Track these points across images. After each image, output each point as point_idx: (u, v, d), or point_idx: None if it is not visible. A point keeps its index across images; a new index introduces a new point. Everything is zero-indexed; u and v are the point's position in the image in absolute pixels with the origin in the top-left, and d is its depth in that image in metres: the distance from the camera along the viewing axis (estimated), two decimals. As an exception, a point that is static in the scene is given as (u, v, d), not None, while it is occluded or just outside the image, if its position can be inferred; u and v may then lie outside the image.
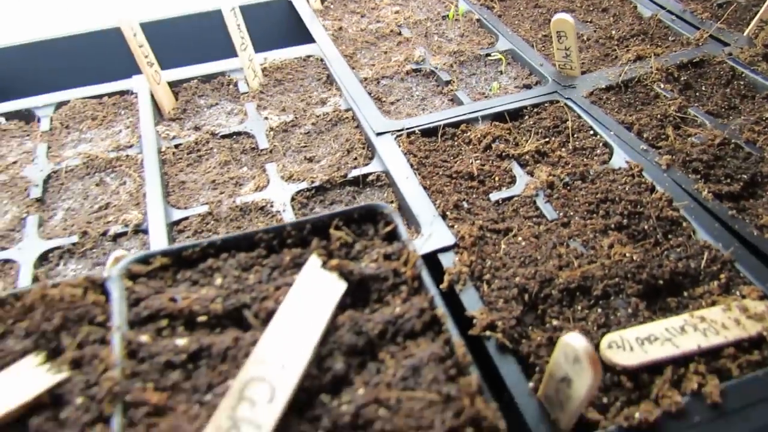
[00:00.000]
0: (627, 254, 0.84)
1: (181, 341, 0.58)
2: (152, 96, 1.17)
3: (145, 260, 0.65)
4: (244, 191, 0.99)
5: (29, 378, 0.55)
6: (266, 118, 1.14)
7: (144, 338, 0.58)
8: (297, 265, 0.66)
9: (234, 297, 0.62)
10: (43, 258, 0.90)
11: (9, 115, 1.18)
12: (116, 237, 0.93)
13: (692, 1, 1.48)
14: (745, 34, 1.32)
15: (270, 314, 0.61)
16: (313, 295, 0.61)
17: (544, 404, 0.66)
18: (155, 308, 0.60)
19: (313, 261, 0.64)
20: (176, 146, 1.08)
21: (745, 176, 0.99)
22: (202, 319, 0.61)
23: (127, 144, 1.10)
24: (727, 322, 0.75)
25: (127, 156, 1.07)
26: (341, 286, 0.62)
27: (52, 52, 1.33)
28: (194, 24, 1.40)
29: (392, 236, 0.69)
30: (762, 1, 1.44)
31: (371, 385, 0.54)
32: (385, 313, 0.61)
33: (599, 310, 0.78)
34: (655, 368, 0.70)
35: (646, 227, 0.89)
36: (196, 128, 1.14)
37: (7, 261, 0.90)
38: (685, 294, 0.81)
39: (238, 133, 1.11)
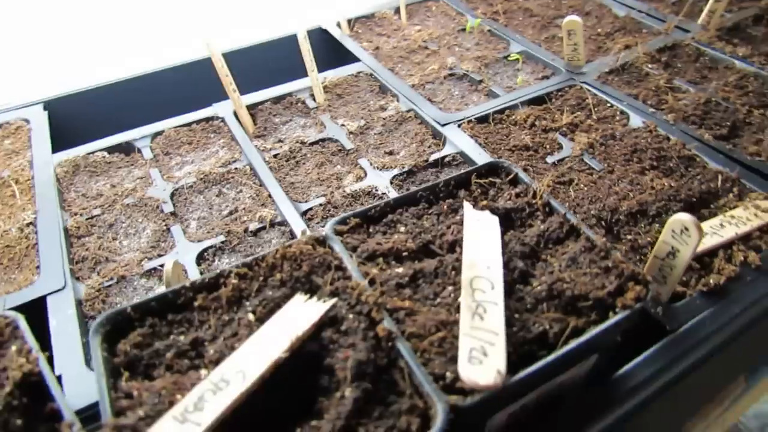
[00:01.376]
0: (665, 184, 1.10)
1: (399, 269, 0.79)
2: (237, 119, 1.37)
3: (343, 221, 0.85)
4: (347, 183, 1.20)
5: (306, 308, 0.73)
6: (343, 125, 1.35)
7: (374, 270, 0.78)
8: (453, 210, 0.88)
9: (420, 237, 0.84)
10: (200, 257, 1.07)
11: (110, 149, 1.34)
12: (256, 232, 1.11)
13: (652, 1, 1.82)
14: (699, 22, 1.65)
15: (451, 245, 0.82)
16: (480, 225, 0.83)
17: (645, 288, 0.90)
18: (370, 250, 0.80)
19: (467, 205, 0.86)
20: (274, 156, 1.28)
21: (728, 123, 1.29)
22: (405, 254, 0.81)
23: (231, 159, 1.28)
24: (749, 216, 1.02)
25: (236, 169, 1.26)
26: (495, 219, 0.85)
27: (132, 89, 1.50)
28: (257, 52, 1.60)
29: (514, 182, 0.93)
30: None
31: (547, 273, 0.77)
32: (534, 230, 0.84)
33: (657, 224, 1.04)
34: (711, 254, 0.96)
35: (671, 165, 1.17)
36: (280, 141, 1.34)
37: (171, 262, 1.06)
38: (712, 206, 1.09)
39: (323, 140, 1.32)
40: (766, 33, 1.63)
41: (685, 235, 0.78)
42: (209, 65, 1.29)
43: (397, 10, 1.76)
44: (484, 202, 0.87)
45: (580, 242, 0.81)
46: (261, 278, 0.79)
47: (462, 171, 0.92)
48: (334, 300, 0.74)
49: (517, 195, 0.90)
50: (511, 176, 0.93)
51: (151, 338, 0.75)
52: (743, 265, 0.93)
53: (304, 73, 1.41)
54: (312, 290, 0.77)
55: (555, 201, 0.87)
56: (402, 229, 0.86)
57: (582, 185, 1.14)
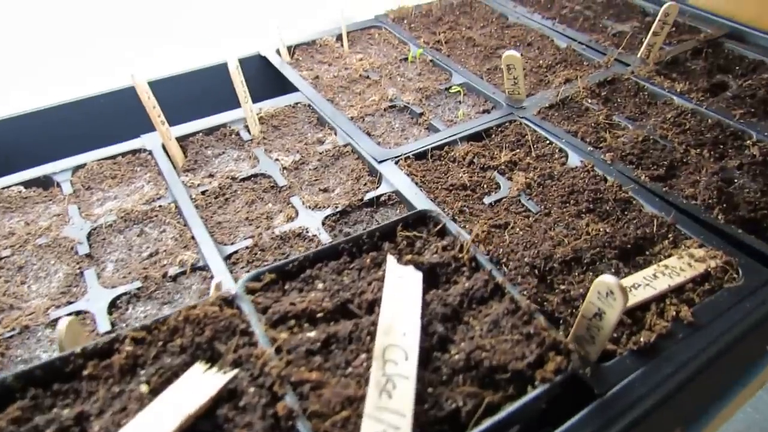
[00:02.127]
0: (601, 229, 1.09)
1: (311, 333, 0.73)
2: (165, 152, 1.29)
3: (257, 278, 0.79)
4: (277, 223, 1.14)
5: (203, 381, 0.67)
6: (277, 159, 1.29)
7: (283, 335, 0.72)
8: (376, 264, 0.84)
9: (338, 295, 0.79)
10: (113, 305, 1.00)
11: (27, 183, 1.24)
12: (176, 277, 1.04)
13: (593, 32, 1.83)
14: (638, 56, 1.67)
15: (370, 304, 0.78)
16: (401, 283, 0.78)
17: (575, 346, 0.87)
18: (282, 312, 0.75)
19: (391, 259, 0.82)
20: (203, 192, 1.21)
21: (665, 163, 1.29)
22: (319, 315, 0.76)
23: (156, 196, 1.21)
24: (683, 266, 1.01)
25: (161, 206, 1.18)
26: (419, 274, 0.81)
27: (53, 119, 1.40)
28: (187, 81, 1.53)
29: (442, 233, 0.89)
30: (644, 28, 1.83)
31: (467, 339, 0.73)
32: (458, 289, 0.80)
33: (591, 273, 1.01)
34: (643, 307, 0.94)
35: (608, 208, 1.15)
36: (211, 176, 1.27)
37: (79, 312, 0.98)
38: (648, 252, 1.07)
39: (256, 175, 1.26)
40: (704, 67, 1.66)
41: (610, 298, 0.75)
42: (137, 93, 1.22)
43: (339, 37, 1.72)
44: (408, 257, 0.82)
45: (504, 303, 0.77)
46: (160, 343, 0.73)
47: (388, 221, 0.88)
48: (234, 371, 0.69)
49: (444, 248, 0.86)
50: (440, 227, 0.89)
51: (31, 412, 0.67)
52: (675, 321, 0.91)
53: (240, 103, 1.35)
54: (214, 358, 0.71)
55: (482, 256, 0.83)
56: (320, 285, 0.80)
57: (518, 229, 1.11)
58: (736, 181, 1.24)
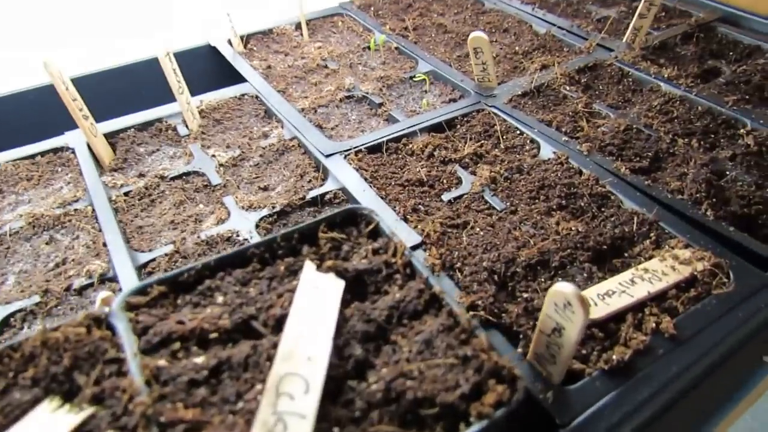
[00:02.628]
0: (573, 228, 0.95)
1: (198, 359, 0.59)
2: (90, 150, 1.16)
3: (143, 291, 0.65)
4: (206, 226, 1.00)
5: (49, 423, 0.53)
6: (213, 156, 1.16)
7: (162, 362, 0.58)
8: (292, 272, 0.70)
9: (239, 311, 0.64)
10: (5, 323, 0.86)
11: (-69, 187, 1.11)
12: (82, 290, 0.90)
13: (576, 18, 1.69)
14: (624, 40, 1.53)
15: (279, 320, 0.63)
16: (316, 295, 0.64)
17: (536, 365, 0.73)
18: (165, 333, 0.61)
19: (309, 266, 0.68)
20: (126, 194, 1.07)
21: (650, 153, 1.14)
22: (213, 336, 0.62)
23: (72, 199, 1.07)
24: (665, 269, 0.87)
25: (76, 210, 1.04)
26: (340, 284, 0.66)
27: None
28: (124, 75, 1.39)
29: (375, 234, 0.75)
30: (630, 13, 1.69)
31: (392, 363, 0.59)
32: (387, 300, 0.65)
33: (559, 279, 0.87)
34: (618, 317, 0.80)
35: (582, 204, 1.01)
36: (141, 175, 1.13)
37: (-37, 332, 0.84)
38: (626, 254, 0.93)
39: (188, 173, 1.12)
40: (695, 52, 1.52)
41: (568, 311, 0.61)
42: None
43: (299, 26, 1.59)
44: (330, 262, 0.68)
45: (441, 317, 0.63)
46: (11, 374, 0.58)
47: (310, 221, 0.74)
48: (90, 410, 0.54)
49: (375, 252, 0.72)
50: (372, 227, 0.75)
51: None
52: (655, 334, 0.77)
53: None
54: (73, 392, 0.57)
55: (417, 261, 0.69)
56: (219, 299, 0.66)
57: (478, 229, 0.97)
58: (728, 173, 1.10)
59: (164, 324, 0.62)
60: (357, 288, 0.68)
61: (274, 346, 0.59)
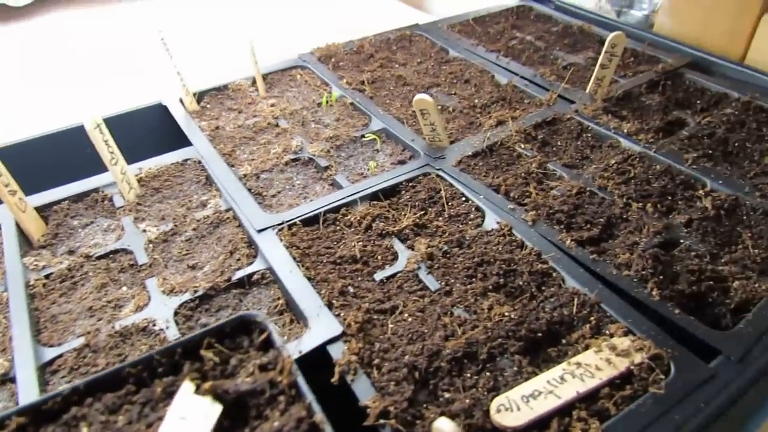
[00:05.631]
0: (506, 313, 0.88)
1: None
2: (18, 226, 1.12)
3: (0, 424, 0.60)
4: (124, 313, 0.95)
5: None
6: (144, 231, 1.11)
7: None
8: (170, 394, 0.64)
9: (102, 445, 0.59)
10: None
11: None
12: (-22, 391, 0.85)
13: (542, 65, 1.65)
14: (587, 91, 1.48)
15: (143, 456, 0.58)
16: (184, 427, 0.59)
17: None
18: (11, 477, 0.55)
19: (186, 387, 0.62)
20: (47, 276, 1.03)
21: (602, 220, 1.08)
22: (65, 477, 0.56)
23: (-10, 282, 1.03)
24: (599, 363, 0.80)
25: (-9, 296, 1.00)
26: (216, 410, 0.61)
27: None
28: (60, 142, 1.36)
29: (268, 344, 0.69)
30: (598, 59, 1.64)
31: None
32: (264, 430, 0.60)
33: (487, 373, 0.81)
34: (543, 422, 0.73)
35: (521, 283, 0.95)
36: (71, 252, 1.09)
37: None
38: (563, 341, 0.86)
39: (115, 251, 1.08)
40: (660, 102, 1.46)
41: (450, 450, 0.54)
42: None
43: (255, 81, 1.55)
44: (208, 385, 0.63)
45: (316, 454, 0.57)
46: None
47: (196, 332, 0.68)
48: None
49: (263, 368, 0.66)
50: (264, 336, 0.69)
51: None
52: (580, 445, 0.70)
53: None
54: None
55: (303, 381, 0.63)
56: (84, 431, 0.61)
57: (406, 315, 0.91)
58: (682, 241, 1.03)
59: (13, 465, 0.56)
60: (238, 412, 0.62)
61: (126, 493, 0.53)
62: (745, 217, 1.09)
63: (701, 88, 1.51)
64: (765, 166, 1.20)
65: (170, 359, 0.66)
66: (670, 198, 1.14)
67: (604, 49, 1.41)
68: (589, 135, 1.34)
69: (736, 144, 1.28)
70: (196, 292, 0.97)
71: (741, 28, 1.64)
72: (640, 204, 1.11)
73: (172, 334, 0.90)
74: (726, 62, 1.58)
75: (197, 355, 0.67)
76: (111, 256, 1.08)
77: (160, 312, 0.94)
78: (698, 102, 1.47)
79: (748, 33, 1.64)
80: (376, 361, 0.82)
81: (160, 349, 0.66)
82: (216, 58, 1.99)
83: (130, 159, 1.28)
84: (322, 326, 0.87)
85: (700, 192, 1.13)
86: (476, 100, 1.49)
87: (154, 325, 0.92)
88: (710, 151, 1.25)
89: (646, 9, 2.04)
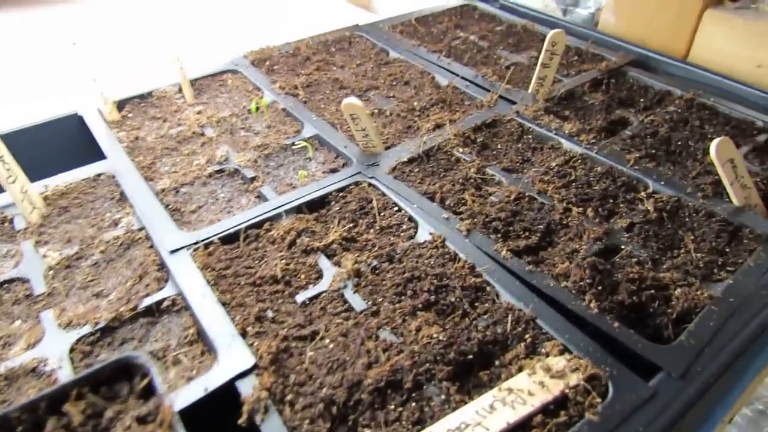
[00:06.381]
0: (434, 335, 0.81)
1: None
2: None
3: None
4: (14, 353, 0.85)
5: None
6: (44, 257, 1.01)
7: None
8: (28, 457, 0.55)
9: None
10: None
11: None
12: None
13: (485, 65, 1.59)
14: (529, 91, 1.43)
15: None
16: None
17: None
18: None
19: (46, 449, 0.53)
20: (-71, 311, 0.92)
21: (541, 226, 1.03)
22: None
23: None
24: (532, 387, 0.74)
25: None
26: (79, 476, 0.52)
27: None
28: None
29: (150, 391, 0.60)
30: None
31: None
32: (133, 498, 0.51)
33: (413, 404, 0.74)
34: (468, 462, 0.66)
35: (453, 299, 0.88)
36: (-37, 282, 0.98)
37: None
38: (497, 363, 0.80)
39: (11, 281, 0.97)
40: (602, 101, 1.42)
41: None
42: None
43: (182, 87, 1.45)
44: (72, 444, 0.53)
45: None
46: None
47: (65, 381, 0.59)
48: None
49: (141, 420, 0.57)
50: (147, 382, 0.60)
51: None
52: (505, 485, 0.64)
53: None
54: None
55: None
56: None
57: (328, 340, 0.83)
58: (623, 247, 0.98)
59: None
60: (107, 474, 0.54)
61: None
62: (687, 219, 1.05)
63: (644, 86, 1.48)
64: (707, 165, 1.17)
65: (32, 415, 0.57)
66: (611, 201, 1.09)
67: (545, 47, 1.37)
68: (530, 137, 1.29)
69: (679, 143, 1.25)
70: (97, 324, 0.87)
71: (684, 25, 1.63)
72: (581, 208, 1.06)
73: (65, 374, 0.80)
74: (669, 59, 1.56)
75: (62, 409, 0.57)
76: (5, 286, 0.96)
77: (54, 349, 0.84)
78: (641, 100, 1.43)
79: (691, 30, 1.63)
80: (290, 396, 0.74)
81: (21, 404, 0.57)
82: (145, 64, 1.88)
83: (43, 175, 1.18)
84: (232, 358, 0.78)
85: (642, 194, 1.09)
86: (415, 103, 1.42)
87: (45, 364, 0.82)
88: (653, 151, 1.22)
89: (592, 7, 2.02)
